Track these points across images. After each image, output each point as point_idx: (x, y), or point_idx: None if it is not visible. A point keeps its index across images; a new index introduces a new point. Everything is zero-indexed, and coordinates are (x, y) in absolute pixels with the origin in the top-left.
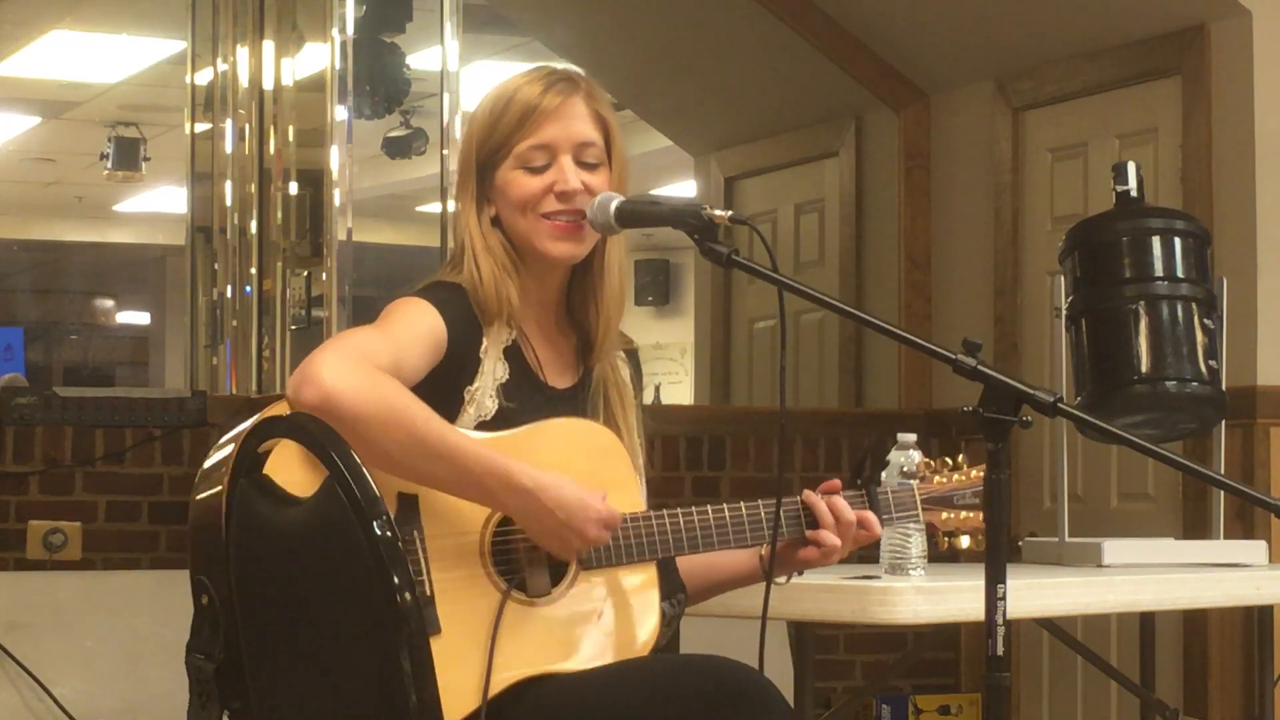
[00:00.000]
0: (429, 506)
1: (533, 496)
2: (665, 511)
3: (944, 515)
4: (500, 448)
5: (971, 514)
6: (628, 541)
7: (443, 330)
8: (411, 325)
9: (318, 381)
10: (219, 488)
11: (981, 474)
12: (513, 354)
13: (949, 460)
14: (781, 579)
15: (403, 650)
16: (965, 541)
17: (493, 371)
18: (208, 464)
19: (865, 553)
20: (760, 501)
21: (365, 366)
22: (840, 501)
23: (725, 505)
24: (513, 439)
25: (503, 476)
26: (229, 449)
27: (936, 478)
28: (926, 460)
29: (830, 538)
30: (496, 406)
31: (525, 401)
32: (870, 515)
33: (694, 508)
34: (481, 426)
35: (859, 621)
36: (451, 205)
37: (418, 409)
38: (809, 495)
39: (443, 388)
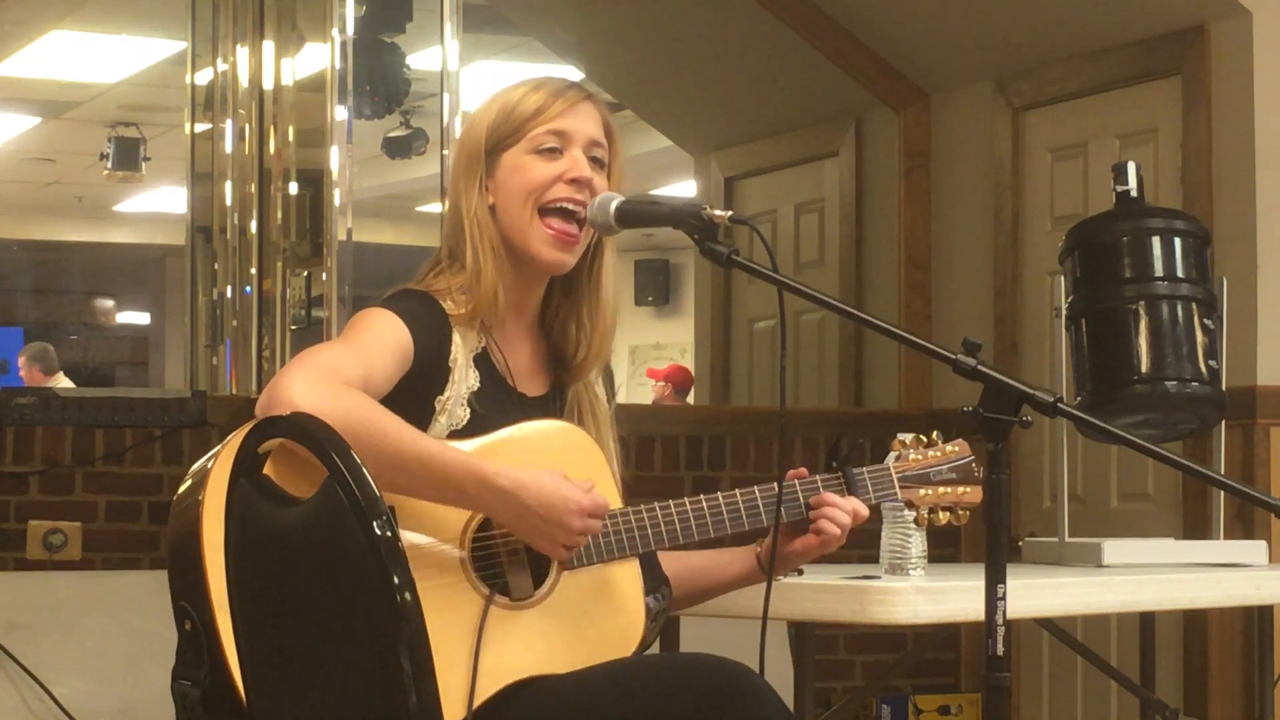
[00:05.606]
0: (406, 516)
1: (512, 496)
2: (643, 506)
3: (922, 492)
4: (477, 453)
5: (949, 489)
6: (607, 538)
7: (409, 341)
8: (378, 337)
9: (287, 402)
10: (195, 511)
11: (957, 449)
12: (482, 361)
13: (924, 438)
14: (782, 577)
15: (403, 650)
16: (945, 517)
17: (464, 380)
18: (182, 489)
19: (865, 553)
20: (738, 491)
21: (333, 383)
22: (836, 497)
23: (703, 497)
24: (489, 444)
25: (480, 479)
26: (193, 479)
27: (912, 455)
28: (901, 439)
29: (831, 527)
30: (468, 415)
31: (497, 408)
32: (859, 502)
33: (671, 501)
34: (454, 435)
35: (859, 621)
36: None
37: (389, 421)
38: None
39: (412, 399)
